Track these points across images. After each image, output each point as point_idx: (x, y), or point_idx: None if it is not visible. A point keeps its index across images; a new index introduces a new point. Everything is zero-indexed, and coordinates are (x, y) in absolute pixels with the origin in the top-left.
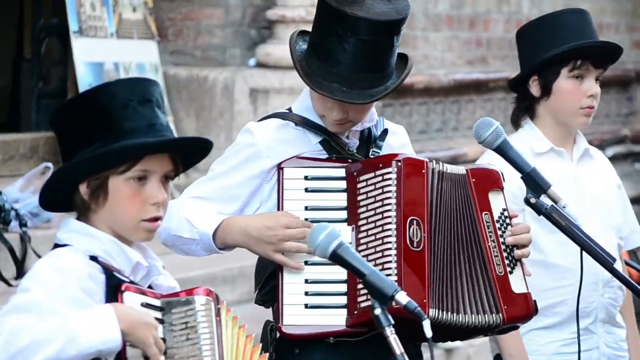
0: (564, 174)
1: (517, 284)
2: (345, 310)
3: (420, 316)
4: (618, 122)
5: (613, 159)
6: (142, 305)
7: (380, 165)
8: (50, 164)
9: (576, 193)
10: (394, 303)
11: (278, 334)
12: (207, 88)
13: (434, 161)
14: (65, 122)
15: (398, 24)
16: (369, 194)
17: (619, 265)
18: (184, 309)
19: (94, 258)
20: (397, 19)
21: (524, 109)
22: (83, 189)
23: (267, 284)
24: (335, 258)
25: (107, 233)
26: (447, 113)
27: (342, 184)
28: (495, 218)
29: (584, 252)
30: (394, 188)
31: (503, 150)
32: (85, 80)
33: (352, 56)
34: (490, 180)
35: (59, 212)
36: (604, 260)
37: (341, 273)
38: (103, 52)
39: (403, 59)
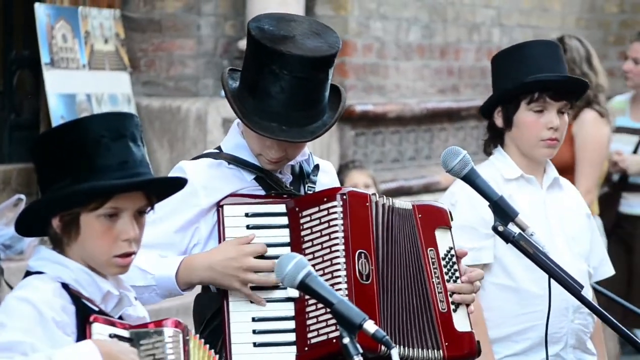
0: (533, 201)
1: (460, 322)
2: (295, 347)
3: (388, 345)
4: None
5: None
6: (110, 336)
7: (325, 199)
8: (23, 196)
9: (545, 220)
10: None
11: None
12: (180, 118)
13: (384, 196)
14: (40, 155)
15: (331, 58)
16: (314, 229)
17: (587, 293)
18: (152, 340)
19: (65, 286)
20: (330, 53)
21: (493, 138)
22: (55, 222)
23: (209, 325)
24: (304, 287)
25: (80, 264)
26: (419, 142)
27: (284, 220)
28: (441, 255)
29: (551, 280)
30: (340, 222)
31: (470, 179)
32: (57, 112)
33: (289, 94)
34: (437, 218)
35: (37, 237)
36: (571, 287)
37: (288, 310)
38: (75, 84)
39: (335, 90)
